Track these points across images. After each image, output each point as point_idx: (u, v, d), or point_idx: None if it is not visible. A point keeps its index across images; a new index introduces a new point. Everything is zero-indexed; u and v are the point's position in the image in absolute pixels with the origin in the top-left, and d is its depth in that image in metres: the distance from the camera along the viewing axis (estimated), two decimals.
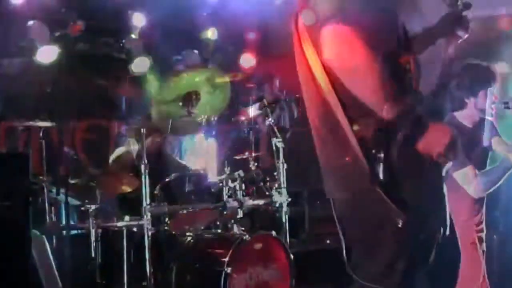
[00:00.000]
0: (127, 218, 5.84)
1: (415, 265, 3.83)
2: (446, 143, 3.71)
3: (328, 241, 7.34)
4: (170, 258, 5.92)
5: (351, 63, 3.79)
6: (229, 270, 5.53)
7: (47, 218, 6.20)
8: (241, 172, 6.34)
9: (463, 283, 4.63)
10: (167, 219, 6.04)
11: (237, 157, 7.49)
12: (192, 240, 6.03)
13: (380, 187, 3.66)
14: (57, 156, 6.54)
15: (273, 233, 6.05)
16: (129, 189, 6.12)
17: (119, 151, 6.74)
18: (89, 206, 5.82)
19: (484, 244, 4.66)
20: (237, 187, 6.25)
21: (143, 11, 8.17)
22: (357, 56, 3.75)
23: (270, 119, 7.27)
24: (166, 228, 6.03)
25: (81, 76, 7.26)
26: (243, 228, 6.20)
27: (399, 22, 3.90)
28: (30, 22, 7.14)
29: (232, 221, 6.19)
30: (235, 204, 6.17)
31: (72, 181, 6.11)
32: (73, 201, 6.38)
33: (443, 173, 4.24)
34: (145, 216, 5.64)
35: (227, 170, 6.31)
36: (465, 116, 4.67)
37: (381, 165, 3.69)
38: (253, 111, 7.82)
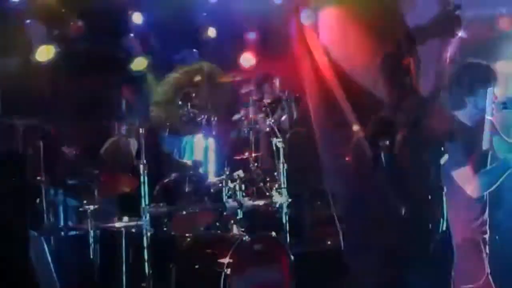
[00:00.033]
0: (125, 218, 5.81)
1: (414, 255, 3.83)
2: (447, 126, 3.71)
3: (328, 242, 7.31)
4: (169, 259, 5.89)
5: (351, 46, 3.80)
6: (228, 271, 5.50)
7: (45, 219, 6.15)
8: (241, 173, 6.32)
9: (464, 283, 4.60)
10: (166, 219, 6.01)
11: (237, 157, 7.47)
12: (191, 241, 6.01)
13: (383, 174, 3.68)
14: (55, 156, 6.50)
15: (273, 234, 6.03)
16: (127, 190, 6.08)
17: (110, 141, 6.72)
18: (87, 206, 5.79)
19: (487, 247, 4.63)
20: (237, 188, 6.23)
21: (142, 11, 8.14)
22: (357, 39, 3.76)
23: (270, 119, 7.24)
24: (165, 228, 6.00)
25: (80, 75, 7.23)
26: (242, 229, 6.17)
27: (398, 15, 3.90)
28: (27, 21, 7.11)
29: (232, 221, 6.16)
30: (235, 204, 6.15)
31: (70, 182, 6.08)
32: (71, 202, 6.35)
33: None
34: (144, 217, 5.61)
35: (226, 170, 6.28)
36: (465, 116, 4.64)
37: (385, 153, 3.71)
38: (253, 111, 7.79)
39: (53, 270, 5.65)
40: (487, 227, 4.66)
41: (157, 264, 5.76)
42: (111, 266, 5.82)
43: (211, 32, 8.78)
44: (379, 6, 3.80)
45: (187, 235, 6.08)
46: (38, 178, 6.18)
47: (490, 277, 4.55)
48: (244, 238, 5.75)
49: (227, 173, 6.28)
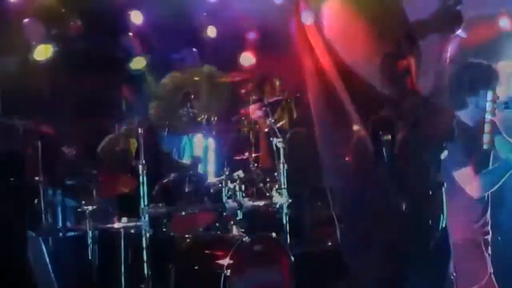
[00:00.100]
0: (124, 219, 5.78)
1: (414, 252, 3.82)
2: (449, 125, 3.70)
3: (329, 243, 7.28)
4: (169, 260, 5.86)
5: (353, 38, 3.78)
6: (228, 272, 5.48)
7: (43, 219, 6.12)
8: (240, 173, 6.30)
9: (466, 284, 4.58)
10: (165, 220, 5.98)
11: (237, 158, 7.45)
12: (191, 242, 5.99)
13: (384, 169, 3.66)
14: (54, 156, 6.47)
15: (273, 234, 6.00)
16: (126, 190, 6.06)
17: (107, 138, 6.70)
18: (86, 207, 5.76)
19: (489, 248, 4.61)
20: (237, 188, 6.21)
21: (141, 10, 8.12)
22: (361, 32, 3.74)
23: (270, 119, 7.22)
24: (164, 229, 5.98)
25: (79, 75, 7.20)
26: (242, 230, 6.15)
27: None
28: (25, 20, 7.09)
29: (232, 222, 6.15)
30: (235, 205, 6.13)
31: (69, 182, 6.05)
32: (70, 202, 6.33)
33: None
34: (143, 217, 5.58)
35: (226, 170, 6.25)
36: (466, 116, 4.63)
37: (387, 147, 3.70)
38: (253, 111, 7.78)
39: (51, 271, 5.63)
40: (489, 227, 4.64)
41: (156, 265, 5.73)
42: (110, 267, 5.80)
43: (211, 31, 8.77)
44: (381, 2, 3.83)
45: (186, 236, 6.06)
46: (37, 178, 6.15)
47: (493, 277, 4.53)
48: (244, 239, 5.73)
49: (227, 173, 6.26)
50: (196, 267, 5.84)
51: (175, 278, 5.81)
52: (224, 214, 6.15)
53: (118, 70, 7.91)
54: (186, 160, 7.49)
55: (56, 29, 7.27)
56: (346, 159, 3.90)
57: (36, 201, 6.16)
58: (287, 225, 6.57)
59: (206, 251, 5.90)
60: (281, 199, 6.54)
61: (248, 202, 6.30)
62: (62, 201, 6.08)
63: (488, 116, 4.44)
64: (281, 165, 6.69)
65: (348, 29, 3.85)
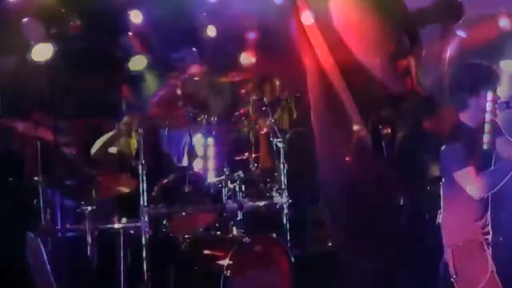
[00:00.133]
0: (124, 219, 5.76)
1: (412, 247, 3.82)
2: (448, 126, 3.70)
3: (329, 243, 7.26)
4: (168, 261, 5.85)
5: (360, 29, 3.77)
6: (228, 273, 5.46)
7: (42, 219, 6.10)
8: (241, 173, 6.28)
9: (466, 284, 4.57)
10: (165, 220, 5.96)
11: (237, 158, 7.43)
12: (190, 242, 5.97)
13: (383, 166, 3.66)
14: (53, 156, 6.46)
15: (274, 235, 5.99)
16: (126, 190, 6.03)
17: (98, 142, 6.68)
18: (85, 207, 5.73)
19: (490, 248, 4.60)
20: (237, 188, 6.19)
21: (141, 10, 8.11)
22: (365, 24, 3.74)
23: (270, 119, 7.21)
24: (164, 230, 5.95)
25: (79, 75, 7.19)
26: (242, 230, 6.13)
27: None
28: (25, 20, 7.08)
29: (232, 223, 6.13)
30: (235, 205, 6.11)
31: (68, 182, 6.04)
32: (69, 203, 6.31)
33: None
34: (142, 218, 5.56)
35: (226, 170, 6.23)
36: (467, 117, 4.61)
37: (386, 141, 3.69)
38: (253, 111, 7.76)
39: (50, 271, 5.60)
40: (490, 228, 4.62)
41: (156, 265, 5.71)
42: (109, 268, 5.78)
43: (211, 31, 8.76)
44: None
45: (186, 236, 6.04)
46: (36, 178, 6.13)
47: (495, 275, 4.51)
48: (244, 239, 5.72)
49: (227, 173, 6.23)
50: (196, 268, 5.82)
51: (174, 278, 5.79)
52: (224, 214, 6.13)
53: (118, 69, 7.91)
54: (185, 161, 7.47)
55: (55, 28, 7.26)
56: (346, 159, 3.89)
57: (35, 201, 6.15)
58: (287, 225, 6.55)
59: (206, 252, 5.88)
60: (281, 199, 6.52)
61: (248, 203, 6.27)
62: (61, 201, 6.05)
63: (488, 116, 4.43)
64: (281, 165, 6.67)
65: (350, 22, 3.84)
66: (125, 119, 6.77)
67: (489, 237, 4.63)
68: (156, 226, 5.91)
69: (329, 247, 7.23)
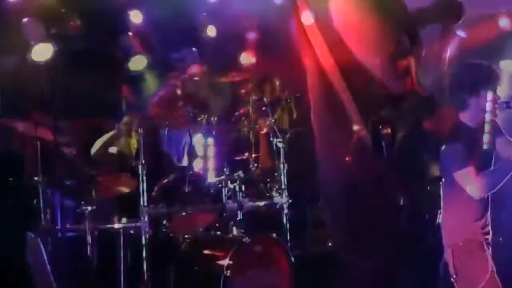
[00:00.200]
0: (124, 220, 5.75)
1: (412, 247, 3.83)
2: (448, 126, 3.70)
3: (330, 243, 7.26)
4: (168, 261, 5.84)
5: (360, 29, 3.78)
6: (228, 273, 5.46)
7: (42, 219, 6.10)
8: (240, 173, 6.27)
9: (466, 284, 4.57)
10: (165, 220, 5.96)
11: (237, 158, 7.43)
12: (190, 242, 5.97)
13: (382, 161, 3.67)
14: (53, 156, 6.46)
15: (274, 235, 5.99)
16: (126, 190, 6.03)
17: (98, 142, 6.67)
18: (85, 207, 5.73)
19: (490, 248, 4.60)
20: (237, 188, 6.18)
21: (141, 10, 8.11)
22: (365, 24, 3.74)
23: (270, 119, 7.20)
24: (164, 230, 5.95)
25: (79, 75, 7.19)
26: (242, 230, 6.12)
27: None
28: (25, 20, 7.08)
29: (232, 223, 6.12)
30: (235, 205, 6.10)
31: (68, 182, 6.03)
32: (69, 203, 6.30)
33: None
34: (142, 218, 5.56)
35: (226, 171, 6.23)
36: (467, 117, 4.61)
37: (386, 141, 3.70)
38: (253, 111, 7.76)
39: (50, 271, 5.60)
40: (490, 228, 4.62)
41: (156, 265, 5.71)
42: (109, 268, 5.77)
43: (211, 31, 8.76)
44: None
45: (186, 236, 6.03)
46: (36, 178, 6.13)
47: (495, 275, 4.51)
48: (244, 239, 5.71)
49: (227, 173, 6.23)
50: (196, 268, 5.81)
51: (174, 278, 5.79)
52: (224, 214, 6.13)
53: (118, 69, 7.91)
54: (185, 161, 7.47)
55: (55, 28, 7.25)
56: (346, 159, 3.90)
57: (35, 201, 6.15)
58: (287, 225, 6.55)
59: (206, 252, 5.88)
60: (281, 199, 6.52)
61: (248, 203, 6.27)
62: (61, 201, 6.04)
63: (488, 116, 4.43)
64: (281, 165, 6.67)
65: (350, 22, 3.85)
66: (125, 119, 6.77)
67: (489, 237, 4.63)
68: (156, 226, 5.90)
69: (329, 247, 7.22)
